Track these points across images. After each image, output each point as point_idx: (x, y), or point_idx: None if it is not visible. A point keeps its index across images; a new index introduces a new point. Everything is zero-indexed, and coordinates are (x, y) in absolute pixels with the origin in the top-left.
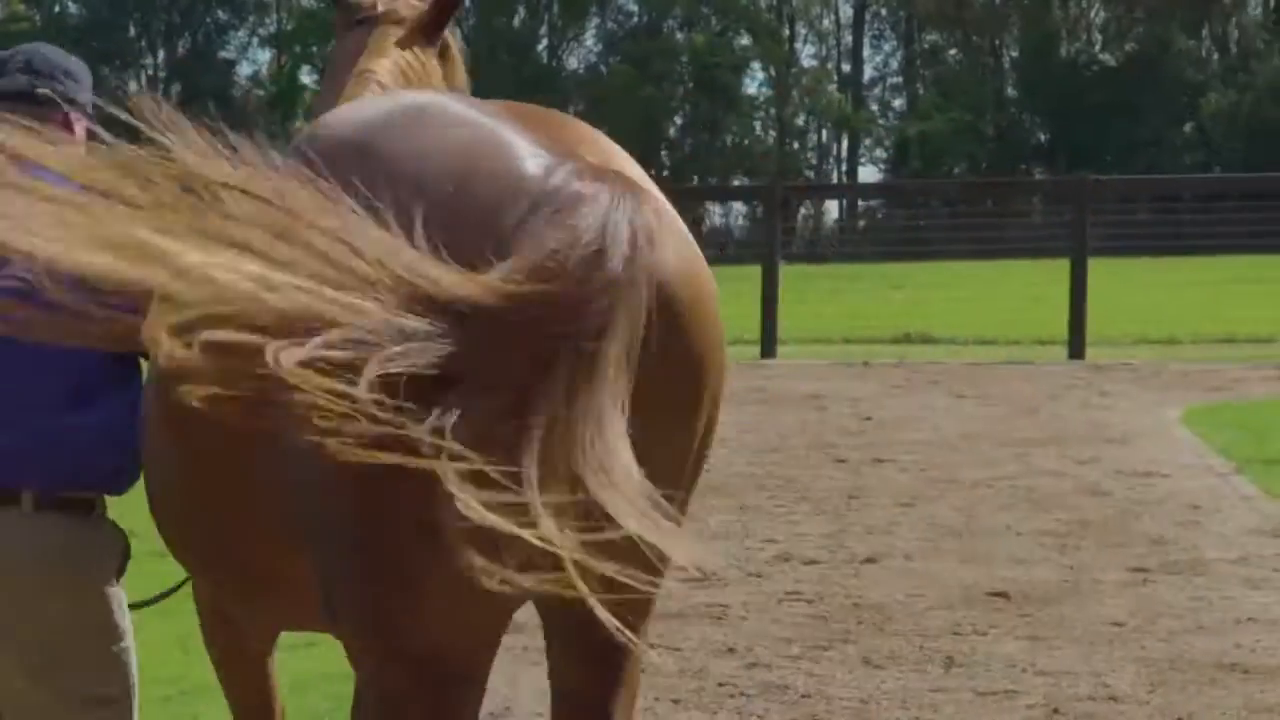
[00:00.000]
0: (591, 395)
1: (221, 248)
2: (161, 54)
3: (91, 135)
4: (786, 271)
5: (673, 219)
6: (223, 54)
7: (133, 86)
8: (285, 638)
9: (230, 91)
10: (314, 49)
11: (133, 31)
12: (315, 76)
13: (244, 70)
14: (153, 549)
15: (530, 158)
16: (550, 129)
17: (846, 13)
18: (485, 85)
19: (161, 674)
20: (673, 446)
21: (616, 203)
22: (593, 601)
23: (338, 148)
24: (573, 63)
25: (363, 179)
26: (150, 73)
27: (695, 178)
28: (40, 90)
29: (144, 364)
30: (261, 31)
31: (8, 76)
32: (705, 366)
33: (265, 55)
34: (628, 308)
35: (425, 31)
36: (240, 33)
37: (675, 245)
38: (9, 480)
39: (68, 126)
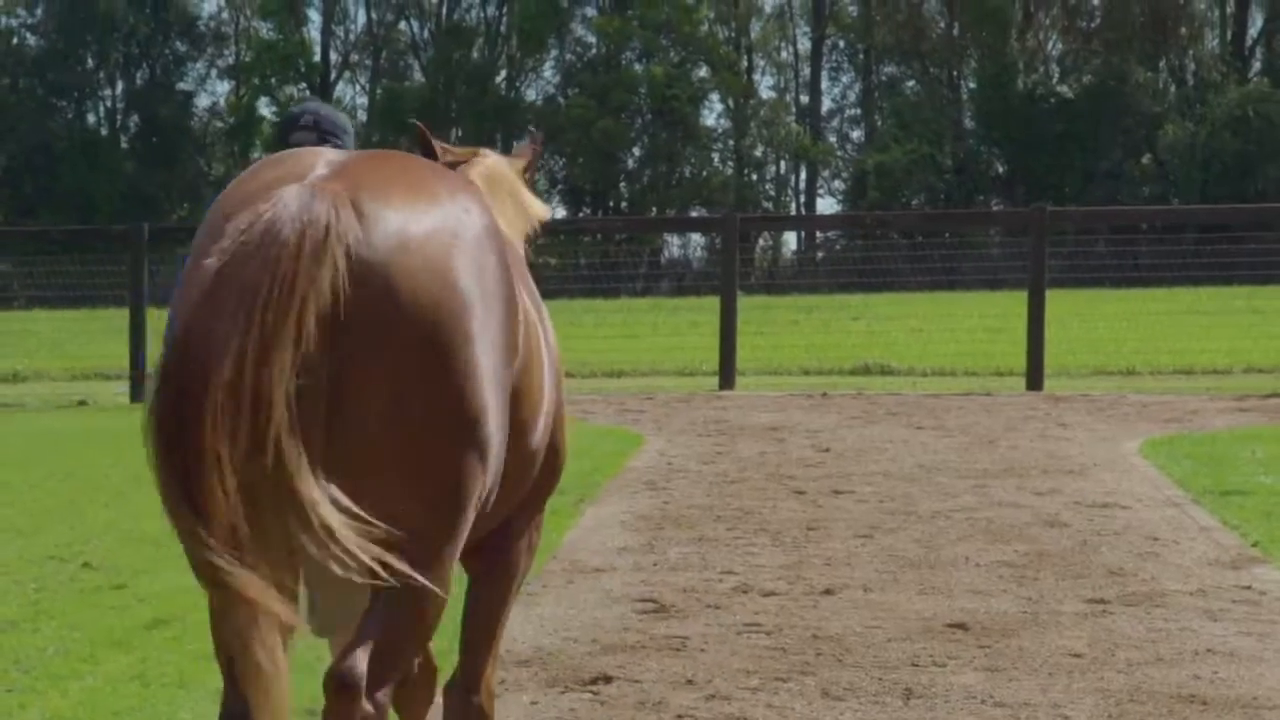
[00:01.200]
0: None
1: None
2: (120, 85)
3: None
4: (745, 303)
5: (408, 222)
6: (181, 85)
7: (90, 118)
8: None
9: (189, 123)
10: (272, 81)
11: (91, 63)
12: (274, 108)
13: (202, 102)
14: (112, 582)
15: (283, 187)
16: (353, 167)
17: (805, 45)
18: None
19: (120, 707)
20: (424, 435)
21: (316, 203)
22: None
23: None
24: (531, 94)
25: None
26: (109, 104)
27: (654, 209)
28: (329, 140)
29: None
30: (220, 63)
31: (300, 132)
32: (425, 357)
33: (224, 87)
34: (289, 258)
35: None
36: (199, 64)
37: (390, 245)
38: None
39: None
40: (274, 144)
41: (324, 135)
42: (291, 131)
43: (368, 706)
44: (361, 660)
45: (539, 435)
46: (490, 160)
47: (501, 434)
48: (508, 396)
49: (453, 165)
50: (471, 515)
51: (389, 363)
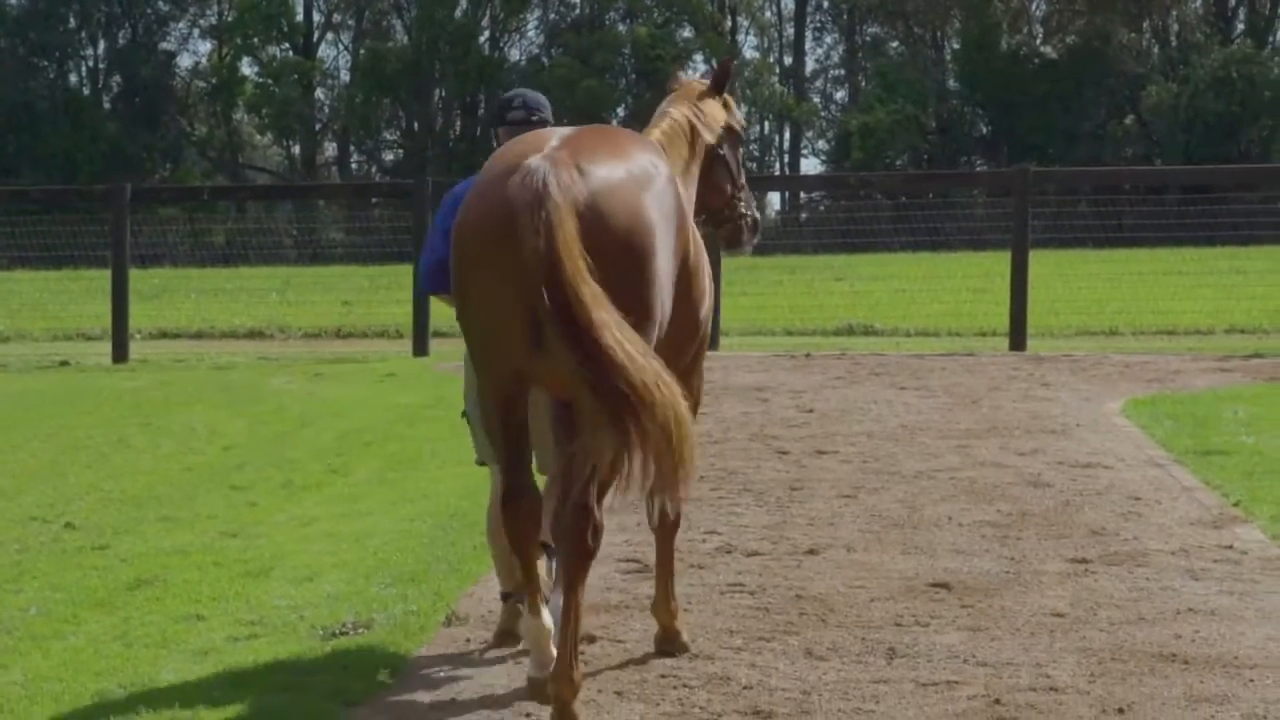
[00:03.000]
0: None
1: None
2: (102, 45)
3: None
4: (728, 263)
5: (610, 172)
6: (163, 45)
7: (73, 78)
8: (230, 631)
9: (171, 83)
10: (255, 40)
11: (73, 22)
12: (256, 68)
13: (185, 61)
14: (94, 543)
15: (527, 160)
16: (575, 141)
17: (788, 5)
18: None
19: (103, 668)
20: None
21: (548, 169)
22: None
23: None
24: (515, 55)
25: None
26: (90, 64)
27: None
28: (534, 118)
29: None
30: (202, 23)
31: (514, 111)
32: (623, 262)
33: (206, 46)
34: (542, 206)
35: (713, 91)
36: (181, 24)
37: (598, 189)
38: None
39: None
40: (494, 119)
41: (530, 111)
42: (508, 110)
43: (595, 517)
44: (589, 490)
45: (704, 310)
46: (668, 119)
47: (668, 309)
48: (672, 285)
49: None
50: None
51: (601, 266)
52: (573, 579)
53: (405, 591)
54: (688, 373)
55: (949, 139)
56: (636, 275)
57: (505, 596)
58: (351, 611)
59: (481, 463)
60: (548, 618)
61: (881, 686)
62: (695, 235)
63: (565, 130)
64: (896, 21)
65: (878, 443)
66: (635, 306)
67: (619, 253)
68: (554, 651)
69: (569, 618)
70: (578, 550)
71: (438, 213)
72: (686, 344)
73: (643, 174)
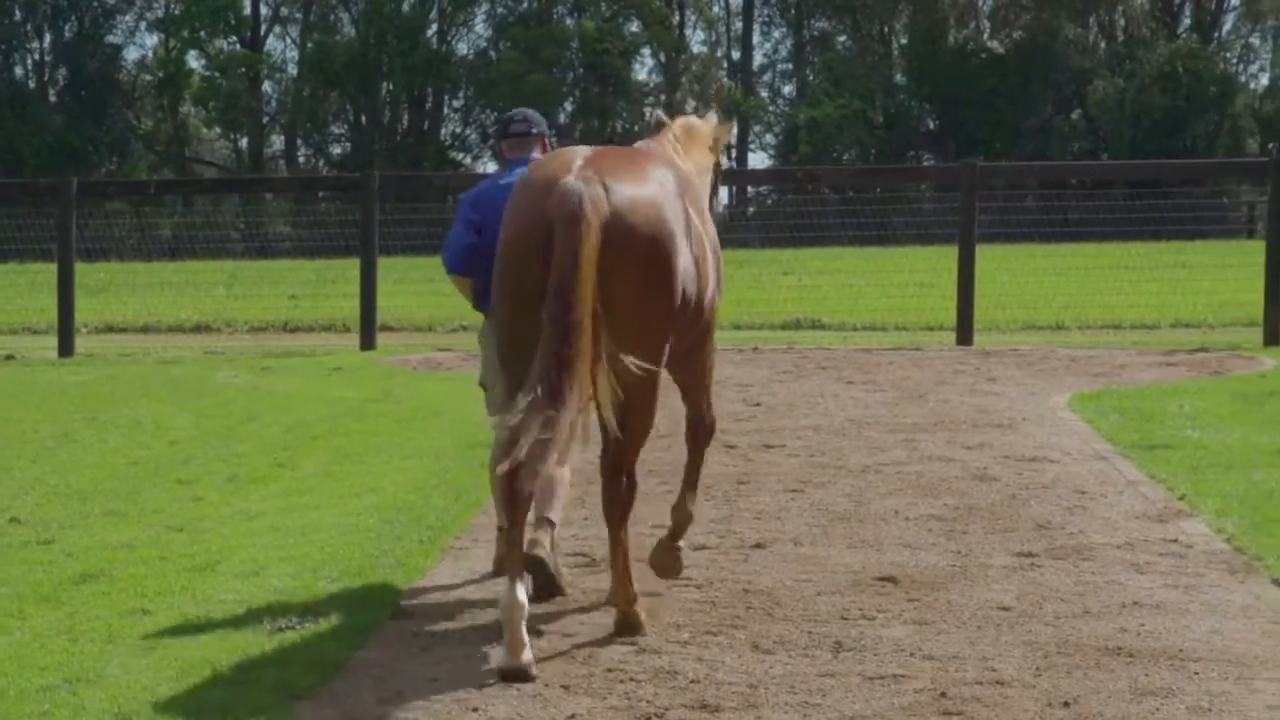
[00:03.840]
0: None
1: None
2: (48, 38)
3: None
4: None
5: (634, 190)
6: (110, 38)
7: (18, 70)
8: (176, 625)
9: (117, 76)
10: (202, 34)
11: (18, 14)
12: (203, 61)
13: (131, 55)
14: (39, 537)
15: (561, 177)
16: (600, 159)
17: (736, 0)
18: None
19: (48, 662)
20: (646, 316)
21: (580, 185)
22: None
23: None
24: (463, 48)
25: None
26: (36, 57)
27: None
28: (533, 130)
29: None
30: (149, 16)
31: (517, 124)
32: (647, 267)
33: (153, 39)
34: (587, 233)
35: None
36: (127, 17)
37: (623, 204)
38: None
39: (544, 147)
40: (498, 134)
41: (530, 125)
42: (510, 124)
43: (625, 479)
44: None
45: (710, 295)
46: (678, 124)
47: (691, 290)
48: (695, 272)
49: (658, 126)
50: (669, 342)
51: (630, 265)
52: (615, 524)
53: (352, 586)
54: (698, 346)
55: (896, 134)
56: (662, 268)
57: (501, 529)
58: (298, 605)
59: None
60: (523, 596)
61: (828, 680)
62: (707, 228)
63: (586, 150)
64: (844, 16)
65: (825, 437)
66: (663, 293)
67: (646, 250)
68: (525, 635)
69: (617, 552)
70: (613, 502)
71: (459, 208)
72: (697, 317)
73: (658, 188)
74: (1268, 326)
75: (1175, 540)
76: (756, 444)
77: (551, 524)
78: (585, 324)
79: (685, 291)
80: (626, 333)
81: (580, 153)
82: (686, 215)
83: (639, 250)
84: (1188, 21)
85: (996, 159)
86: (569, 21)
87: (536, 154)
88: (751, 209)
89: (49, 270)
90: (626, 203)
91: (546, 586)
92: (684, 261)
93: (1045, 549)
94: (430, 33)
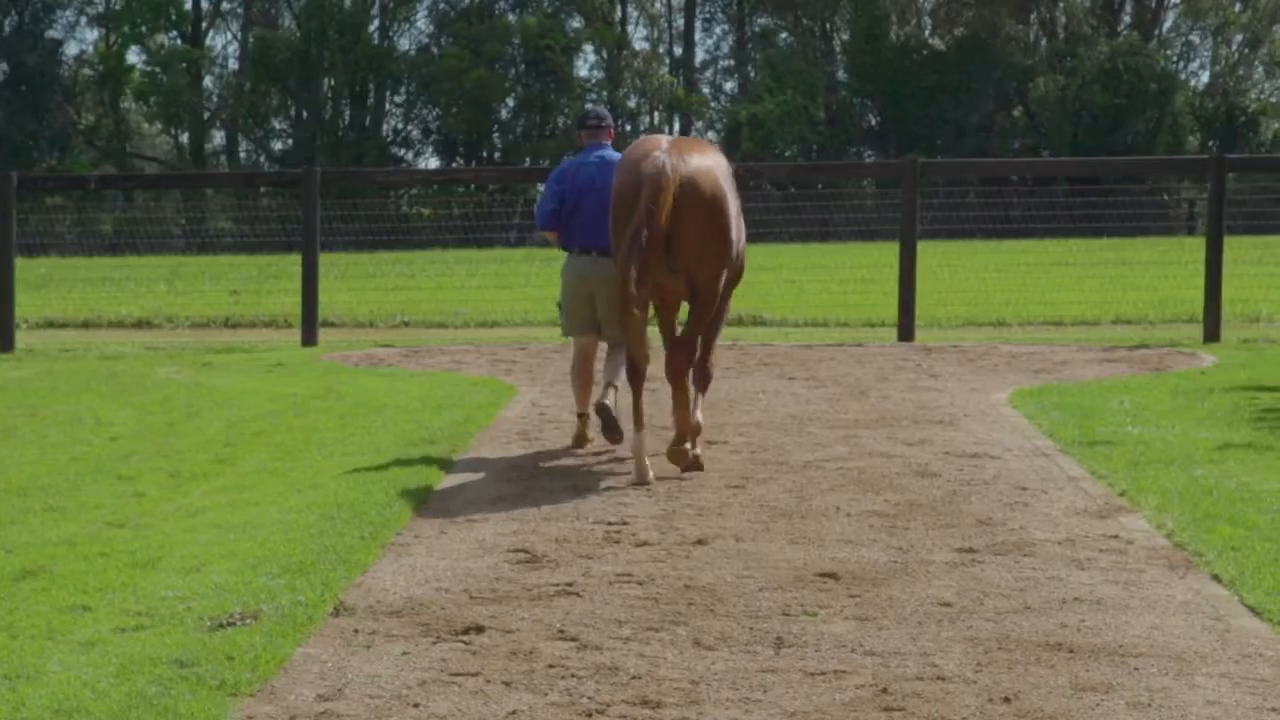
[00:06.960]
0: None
1: None
2: None
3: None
4: None
5: (700, 162)
6: (50, 33)
7: None
8: (117, 622)
9: (57, 71)
10: (143, 29)
11: None
12: (144, 56)
13: (71, 49)
14: None
15: (653, 153)
16: (678, 144)
17: None
18: (315, 66)
19: None
20: (710, 244)
21: (666, 158)
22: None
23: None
24: (404, 44)
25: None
26: None
27: (527, 159)
28: (604, 123)
29: None
30: (90, 10)
31: (591, 118)
32: (710, 212)
33: (93, 34)
34: (666, 187)
35: None
36: (68, 12)
37: (692, 171)
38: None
39: (610, 135)
40: (577, 125)
41: (600, 119)
42: (587, 118)
43: (689, 357)
44: (687, 339)
45: (741, 243)
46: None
47: (732, 237)
48: (740, 225)
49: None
50: (725, 265)
51: (698, 215)
52: (679, 399)
53: (293, 582)
54: (731, 285)
55: (838, 130)
56: (721, 218)
57: (580, 415)
58: (239, 602)
59: (567, 335)
60: (647, 440)
61: (770, 676)
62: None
63: (668, 137)
64: (786, 13)
65: (766, 433)
66: (722, 233)
67: (709, 204)
68: (648, 463)
69: (683, 412)
70: (681, 383)
71: (548, 183)
72: (735, 256)
73: (716, 163)
74: (1207, 323)
75: (1116, 536)
76: (699, 440)
77: (615, 387)
78: (656, 233)
79: (731, 232)
80: (697, 254)
81: (664, 139)
82: (732, 184)
83: (704, 200)
84: (1128, 19)
85: (937, 155)
86: (511, 17)
87: (606, 141)
88: None
89: None
90: (695, 169)
91: (609, 427)
92: (733, 210)
93: (986, 545)
94: (372, 28)
